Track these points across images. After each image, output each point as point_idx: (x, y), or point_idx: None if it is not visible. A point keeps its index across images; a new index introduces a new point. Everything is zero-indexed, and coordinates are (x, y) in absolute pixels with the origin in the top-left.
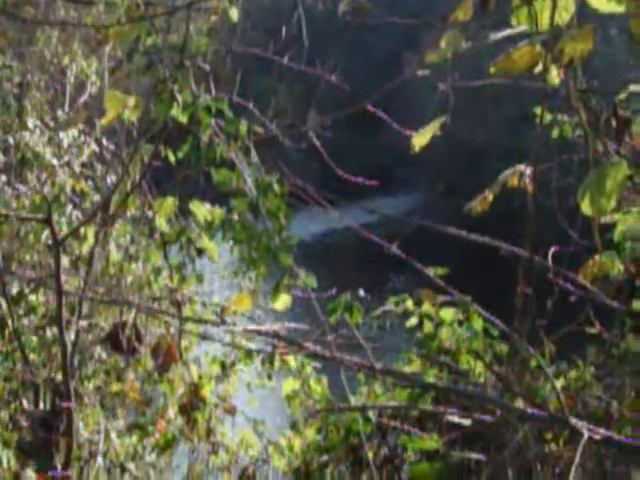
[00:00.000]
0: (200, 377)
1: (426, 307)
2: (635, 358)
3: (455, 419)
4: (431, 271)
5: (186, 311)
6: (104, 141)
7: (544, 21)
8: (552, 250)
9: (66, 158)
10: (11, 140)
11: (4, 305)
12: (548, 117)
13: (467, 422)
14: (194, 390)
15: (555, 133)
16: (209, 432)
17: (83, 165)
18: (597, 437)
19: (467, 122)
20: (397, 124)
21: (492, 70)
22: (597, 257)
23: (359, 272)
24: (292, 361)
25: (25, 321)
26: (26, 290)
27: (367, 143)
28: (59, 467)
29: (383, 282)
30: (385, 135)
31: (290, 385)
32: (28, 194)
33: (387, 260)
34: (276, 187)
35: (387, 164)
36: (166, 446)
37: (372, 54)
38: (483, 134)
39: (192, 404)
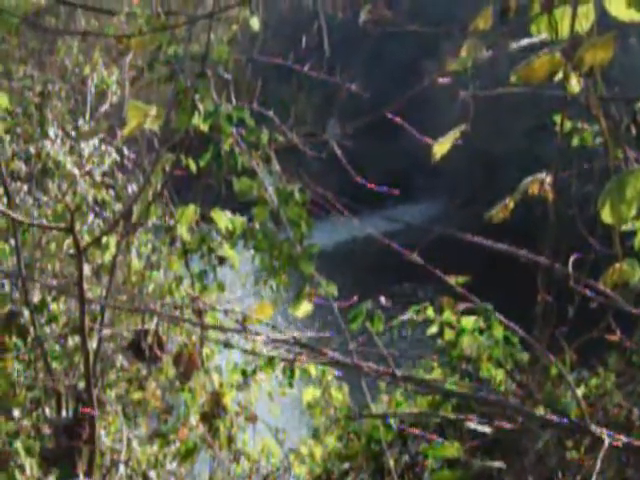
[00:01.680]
0: (221, 385)
1: (447, 315)
2: None
3: (476, 427)
4: (452, 279)
5: (208, 319)
6: (125, 150)
7: (564, 29)
8: (573, 258)
9: (87, 167)
10: (32, 149)
11: (26, 313)
12: (568, 125)
13: (488, 430)
14: (216, 398)
15: (575, 141)
16: (230, 440)
17: (104, 174)
18: (618, 444)
19: (487, 130)
20: (417, 132)
21: (513, 78)
22: (618, 265)
23: (381, 280)
24: (313, 369)
25: (47, 329)
26: (48, 298)
27: (386, 151)
28: (81, 475)
29: (405, 290)
30: (404, 143)
31: (311, 393)
32: (50, 203)
33: (409, 268)
34: (297, 196)
35: (406, 172)
36: (187, 454)
37: (392, 63)
38: (503, 142)
39: (214, 412)
